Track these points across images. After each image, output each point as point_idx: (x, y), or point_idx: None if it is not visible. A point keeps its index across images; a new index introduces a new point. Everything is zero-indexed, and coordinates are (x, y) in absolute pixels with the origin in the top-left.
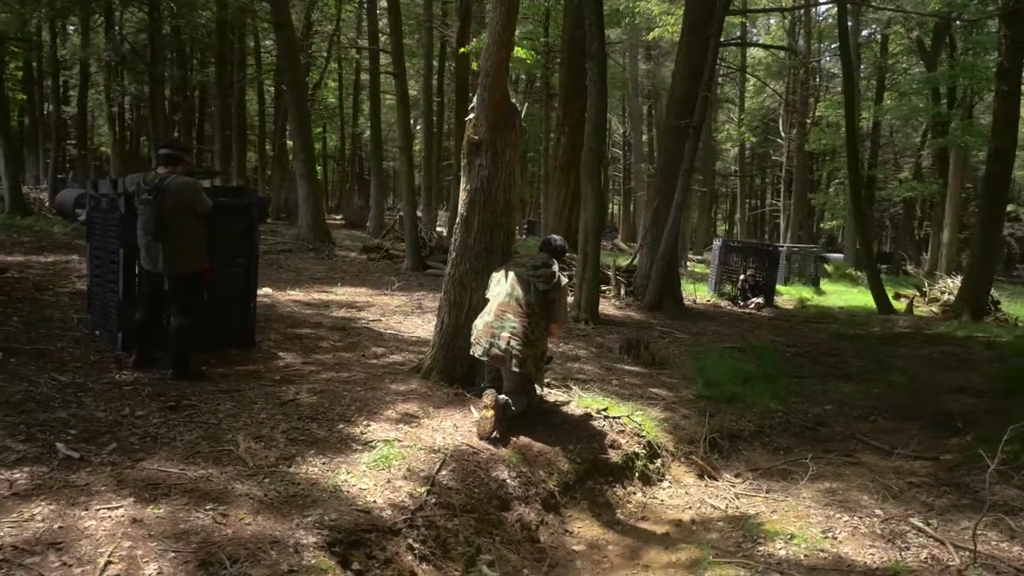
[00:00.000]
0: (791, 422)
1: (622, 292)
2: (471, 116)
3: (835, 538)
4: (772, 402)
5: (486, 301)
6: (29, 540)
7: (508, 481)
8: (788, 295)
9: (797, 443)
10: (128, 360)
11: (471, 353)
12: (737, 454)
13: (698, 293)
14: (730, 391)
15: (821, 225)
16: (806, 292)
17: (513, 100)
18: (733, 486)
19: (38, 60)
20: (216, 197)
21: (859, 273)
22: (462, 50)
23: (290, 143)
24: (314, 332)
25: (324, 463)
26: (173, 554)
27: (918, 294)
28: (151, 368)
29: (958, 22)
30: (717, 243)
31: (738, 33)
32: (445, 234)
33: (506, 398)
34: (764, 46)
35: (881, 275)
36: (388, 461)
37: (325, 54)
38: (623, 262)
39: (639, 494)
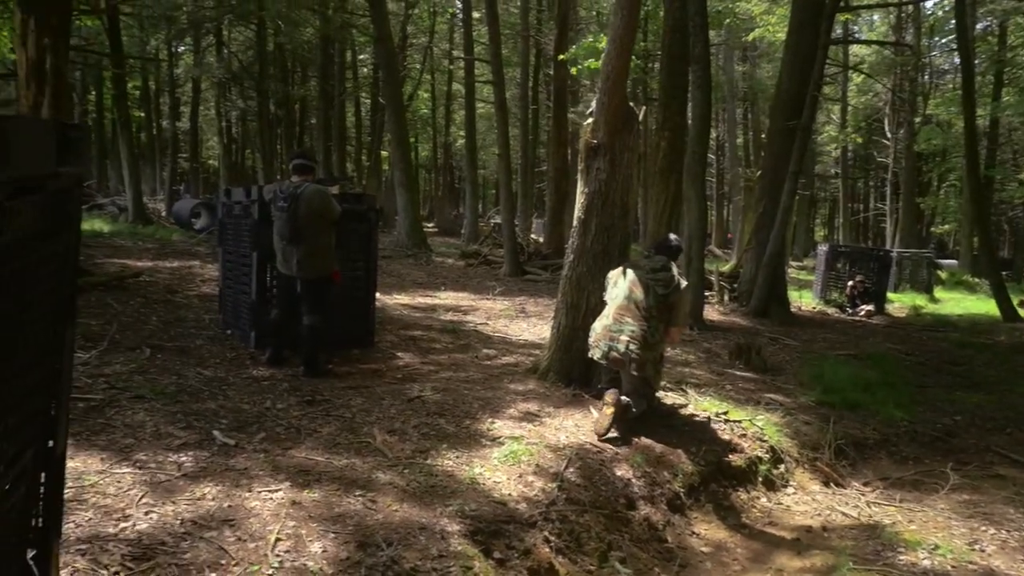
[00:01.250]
0: (918, 432)
1: (725, 298)
2: (589, 120)
3: (983, 550)
4: (896, 411)
5: (603, 304)
6: (205, 516)
7: (633, 481)
8: (899, 303)
9: (927, 453)
10: (261, 357)
11: (589, 355)
12: (863, 463)
13: (802, 300)
14: (851, 398)
15: (931, 229)
16: (919, 299)
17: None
18: (863, 495)
19: (155, 79)
20: (341, 203)
21: (976, 280)
22: (560, 57)
23: (385, 153)
24: (426, 334)
25: (457, 456)
26: (333, 535)
27: None
28: (283, 365)
29: None
30: (823, 248)
31: (838, 31)
32: (541, 241)
33: (627, 399)
34: (877, 43)
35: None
36: (517, 457)
37: (419, 66)
38: (724, 267)
39: (763, 499)
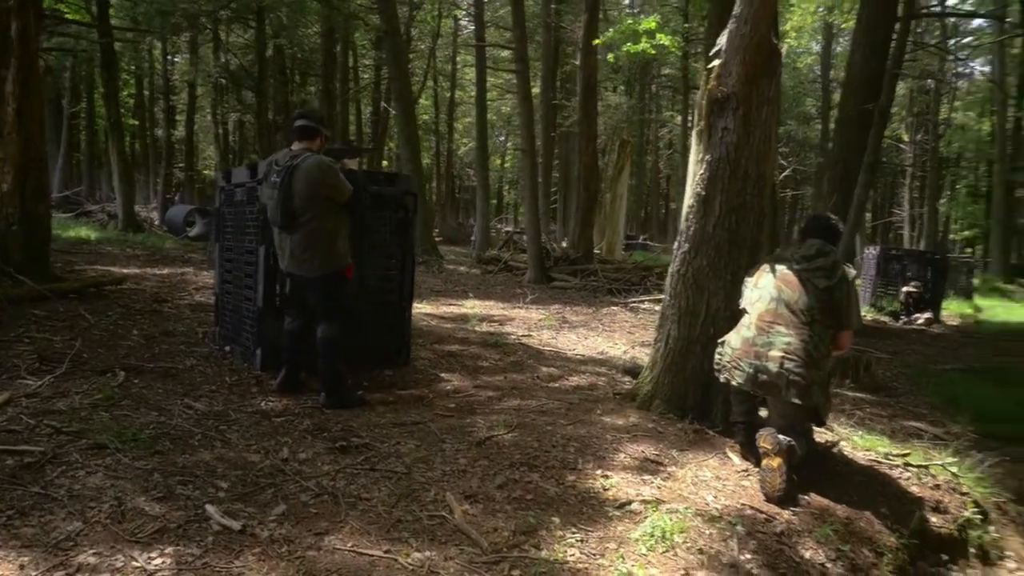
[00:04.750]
0: None
1: None
2: (715, 63)
3: None
4: None
5: (731, 312)
6: None
7: (828, 566)
8: (946, 311)
9: None
10: (271, 382)
11: (722, 380)
12: None
13: None
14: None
15: (951, 236)
16: (965, 307)
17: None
18: None
19: (149, 85)
20: (367, 185)
21: (1010, 286)
22: (596, 42)
23: (386, 163)
24: (466, 349)
25: (580, 540)
26: None
27: None
28: (300, 392)
29: None
30: (872, 251)
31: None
32: (566, 245)
33: (789, 439)
34: (971, 15)
35: None
36: (668, 537)
37: (421, 71)
38: None
39: None
